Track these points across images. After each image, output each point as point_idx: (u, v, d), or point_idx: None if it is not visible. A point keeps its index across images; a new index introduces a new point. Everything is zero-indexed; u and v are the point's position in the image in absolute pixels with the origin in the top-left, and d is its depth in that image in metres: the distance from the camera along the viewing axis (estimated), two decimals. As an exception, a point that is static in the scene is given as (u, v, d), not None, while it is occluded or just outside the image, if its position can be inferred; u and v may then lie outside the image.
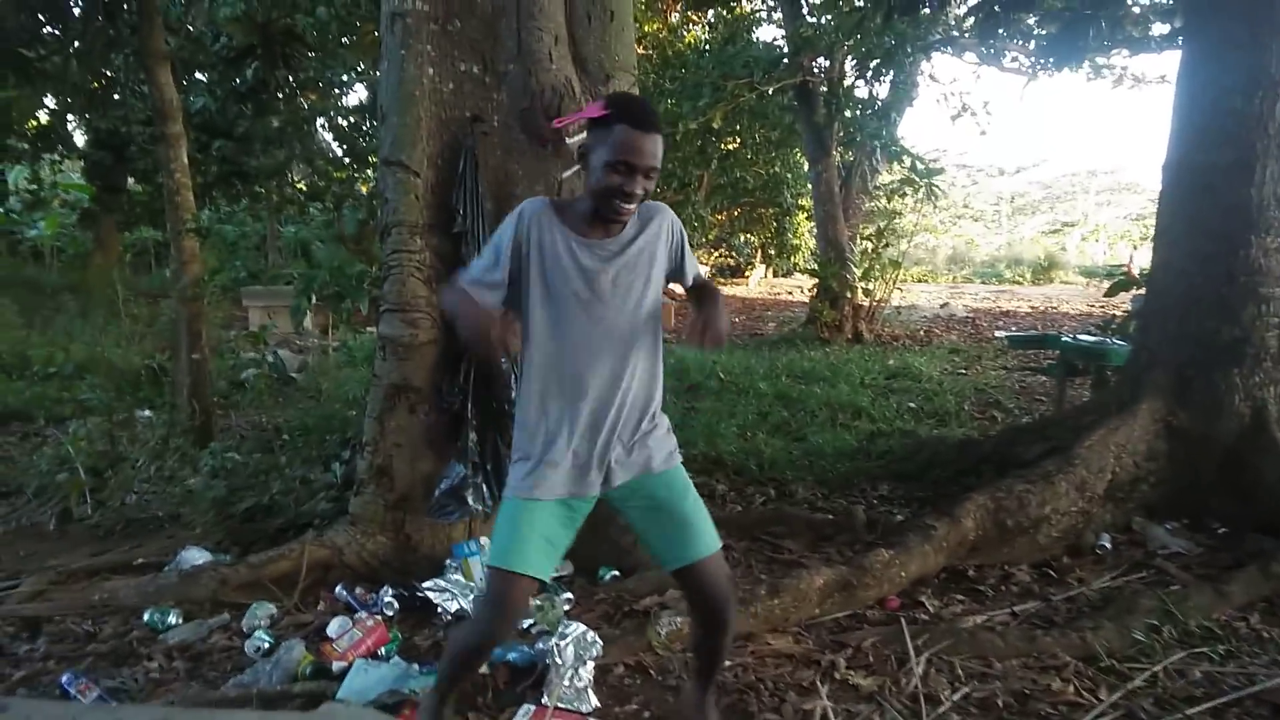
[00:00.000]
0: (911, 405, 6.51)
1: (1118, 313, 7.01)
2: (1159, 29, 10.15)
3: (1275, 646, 2.80)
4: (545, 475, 1.98)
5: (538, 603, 2.91)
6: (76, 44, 6.22)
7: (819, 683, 2.53)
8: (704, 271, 2.19)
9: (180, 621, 2.79)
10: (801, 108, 10.35)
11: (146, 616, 2.78)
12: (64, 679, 2.37)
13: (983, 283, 20.88)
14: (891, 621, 2.94)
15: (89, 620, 2.81)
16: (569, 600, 2.97)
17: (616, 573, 3.21)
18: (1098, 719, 2.37)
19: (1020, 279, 20.78)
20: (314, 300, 5.56)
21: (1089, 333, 5.86)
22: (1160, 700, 2.46)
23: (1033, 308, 14.82)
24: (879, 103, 10.77)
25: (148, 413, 5.80)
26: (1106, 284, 6.39)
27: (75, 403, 5.48)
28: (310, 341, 9.16)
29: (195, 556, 3.17)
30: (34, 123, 13.60)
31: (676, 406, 6.28)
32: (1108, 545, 3.70)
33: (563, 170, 3.19)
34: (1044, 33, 8.40)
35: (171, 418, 4.92)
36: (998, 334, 10.87)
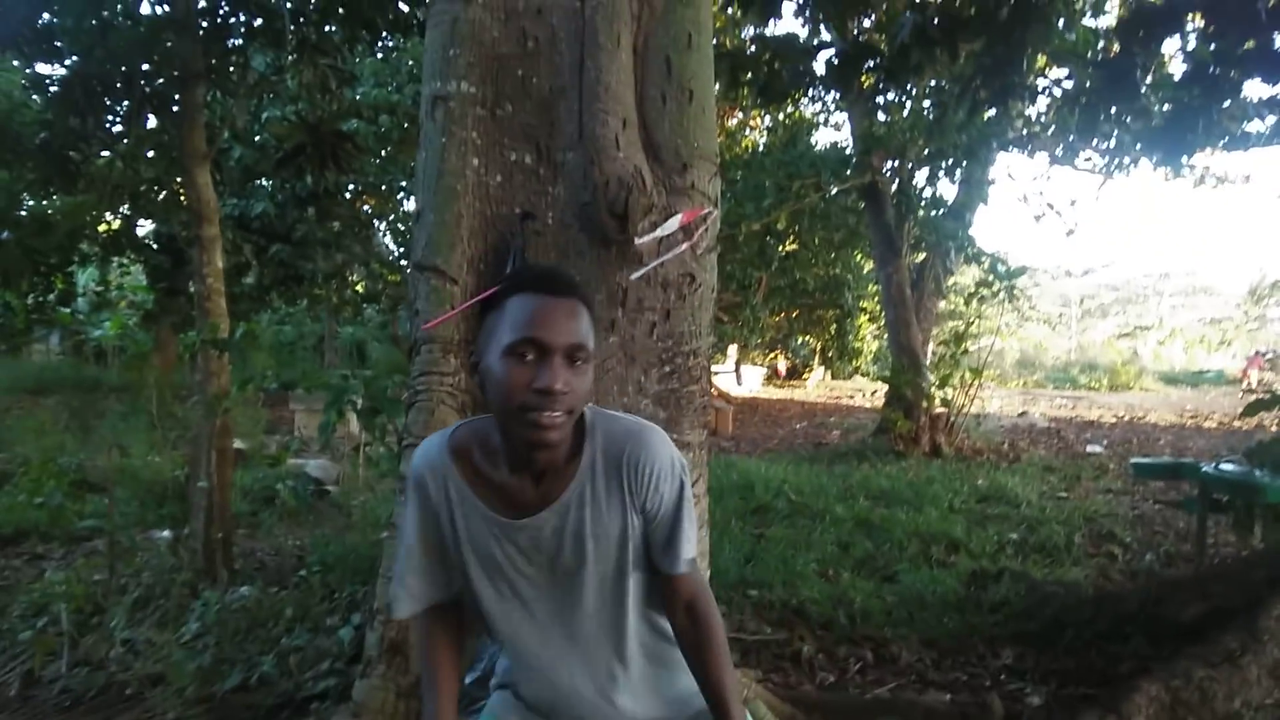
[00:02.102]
0: (1013, 536, 5.70)
1: (1237, 424, 6.17)
2: (1254, 125, 9.58)
3: None
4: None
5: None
6: (124, 143, 6.03)
7: None
8: (693, 554, 1.42)
9: None
10: (869, 208, 9.90)
11: (86, 843, 2.15)
12: None
13: (1055, 388, 19.86)
14: None
15: (15, 844, 2.19)
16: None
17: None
18: None
19: (1096, 385, 19.71)
20: (344, 413, 5.09)
21: (1228, 461, 5.04)
22: None
23: (1117, 417, 13.84)
24: (947, 203, 10.29)
25: (166, 533, 5.31)
26: (1190, 391, 5.63)
27: (87, 526, 5.00)
28: (350, 449, 8.70)
29: (165, 748, 2.56)
30: (105, 226, 13.88)
31: (745, 533, 5.59)
32: (1316, 749, 2.88)
33: (630, 274, 2.64)
34: (1137, 128, 7.84)
35: (181, 546, 4.39)
36: (1090, 449, 9.98)
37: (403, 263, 16.23)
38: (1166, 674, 2.86)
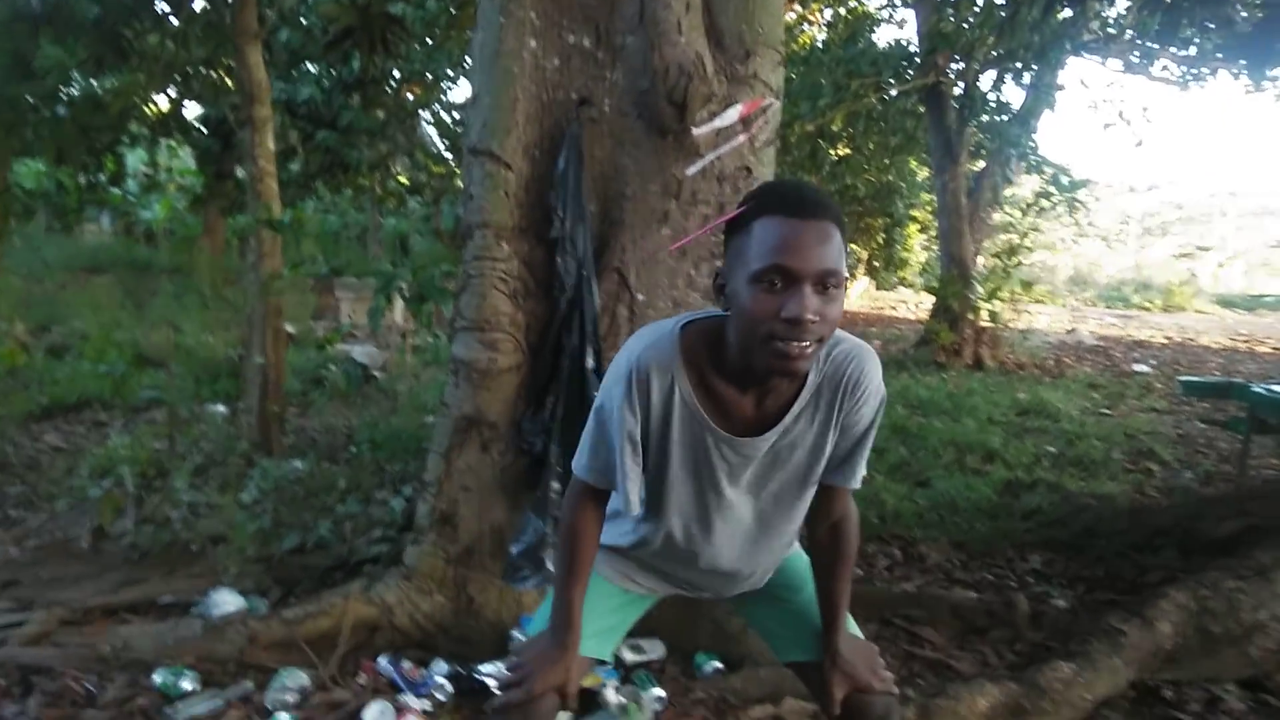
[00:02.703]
0: (1051, 450, 5.69)
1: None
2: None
3: None
4: (621, 565, 1.57)
5: (621, 700, 2.34)
6: (174, 21, 5.99)
7: None
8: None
9: (196, 687, 2.33)
10: (930, 111, 9.52)
11: (158, 678, 2.33)
12: (41, 769, 1.94)
13: (1107, 307, 19.40)
14: (1078, 766, 2.27)
15: (94, 675, 2.38)
16: (659, 699, 2.39)
17: (719, 664, 2.62)
18: None
19: (1149, 305, 19.21)
20: (392, 300, 5.16)
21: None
22: None
23: (1168, 338, 13.52)
24: (1013, 109, 9.86)
25: (221, 408, 5.52)
26: (1247, 315, 5.46)
27: (147, 397, 5.20)
28: (395, 337, 8.87)
29: (226, 600, 2.73)
30: (154, 108, 13.88)
31: (780, 435, 5.65)
32: (1338, 664, 2.91)
33: (686, 167, 2.61)
34: (1220, 36, 7.38)
35: (236, 420, 4.57)
36: (1137, 368, 9.82)
37: (447, 155, 16.07)
38: (1195, 583, 2.89)
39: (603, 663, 1.60)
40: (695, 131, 2.55)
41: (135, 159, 17.95)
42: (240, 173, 15.63)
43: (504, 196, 2.63)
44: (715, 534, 1.45)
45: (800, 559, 1.61)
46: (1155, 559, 3.62)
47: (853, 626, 1.55)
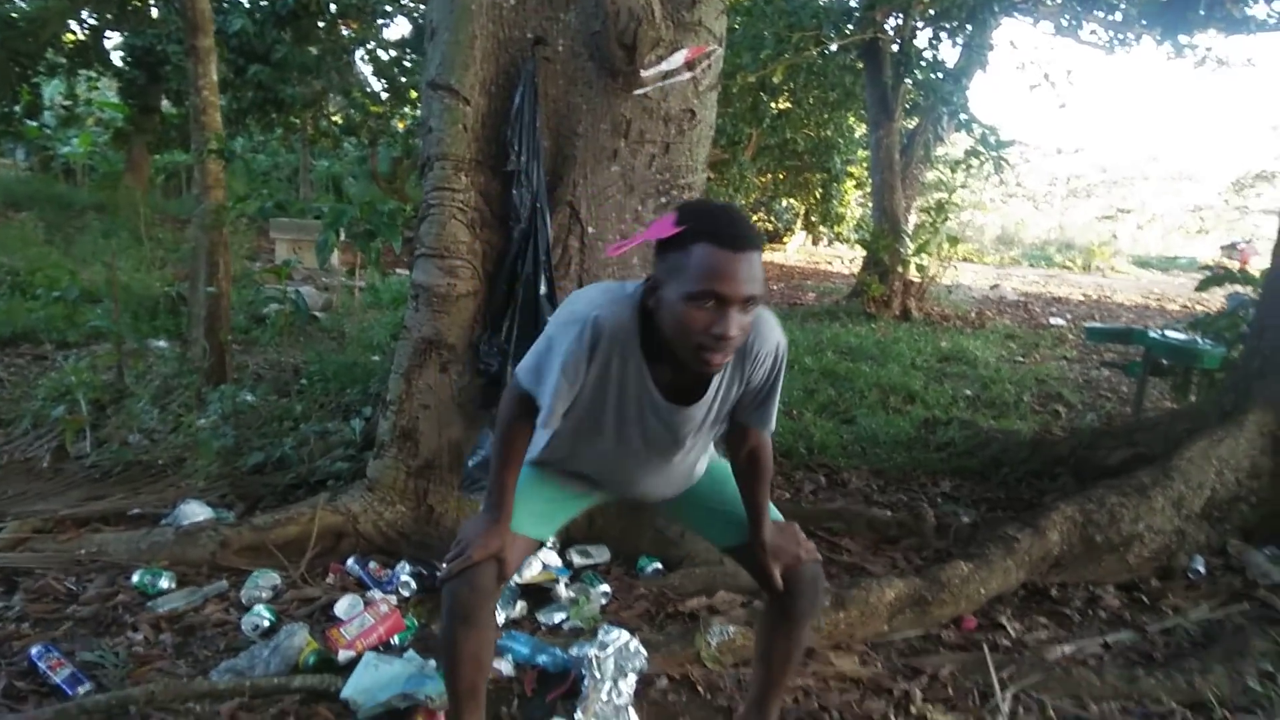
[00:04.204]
0: (967, 392, 6.10)
1: (1199, 307, 6.49)
2: (1259, 9, 9.45)
3: None
4: (556, 467, 1.79)
5: (571, 595, 2.59)
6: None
7: (892, 716, 2.20)
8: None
9: (173, 586, 2.49)
10: (868, 67, 9.76)
11: (136, 578, 2.48)
12: (34, 652, 2.08)
13: (1031, 265, 20.17)
14: (970, 646, 2.59)
15: (72, 577, 2.51)
16: (605, 594, 2.64)
17: (659, 565, 2.87)
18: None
19: (1070, 265, 20.04)
20: (342, 237, 5.20)
21: (1174, 329, 5.38)
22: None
23: (1085, 295, 14.22)
24: (947, 66, 10.15)
25: (163, 343, 5.52)
26: (1161, 275, 5.89)
27: (87, 329, 5.17)
28: (336, 280, 8.85)
29: (195, 511, 2.87)
30: (71, 37, 13.23)
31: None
32: (1201, 570, 3.31)
33: (635, 103, 2.77)
34: (1142, 3, 7.74)
35: (184, 352, 4.61)
36: (1053, 321, 10.37)
37: (384, 95, 15.71)
38: (1083, 498, 3.25)
39: (541, 544, 1.81)
40: (643, 74, 2.72)
41: (51, 90, 17.12)
42: (166, 106, 15.08)
43: (462, 130, 2.77)
44: (633, 469, 1.70)
45: (719, 462, 1.86)
46: (1052, 484, 4.01)
47: (774, 513, 1.80)
